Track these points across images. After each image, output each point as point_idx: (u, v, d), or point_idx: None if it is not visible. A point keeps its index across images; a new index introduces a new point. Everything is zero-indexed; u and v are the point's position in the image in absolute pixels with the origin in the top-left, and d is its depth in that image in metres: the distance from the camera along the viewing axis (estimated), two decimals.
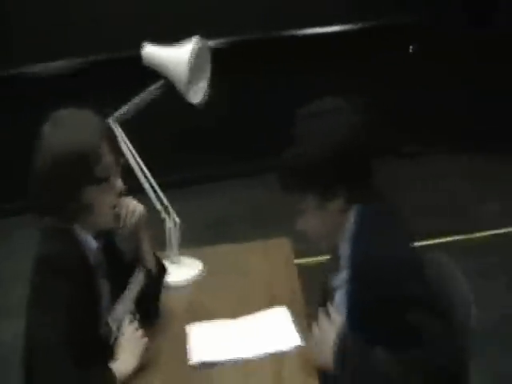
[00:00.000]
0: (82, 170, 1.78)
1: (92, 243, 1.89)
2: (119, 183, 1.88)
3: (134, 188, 2.21)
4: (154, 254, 2.11)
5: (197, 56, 2.31)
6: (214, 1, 5.53)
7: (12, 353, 1.93)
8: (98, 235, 1.92)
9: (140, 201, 2.06)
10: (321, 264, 2.54)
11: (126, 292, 1.98)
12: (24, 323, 1.75)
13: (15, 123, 5.16)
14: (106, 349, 1.88)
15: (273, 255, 2.55)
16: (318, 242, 1.91)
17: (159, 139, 5.37)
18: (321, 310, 1.84)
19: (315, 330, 1.80)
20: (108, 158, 1.83)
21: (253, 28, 5.64)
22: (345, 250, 1.84)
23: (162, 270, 2.16)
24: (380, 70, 5.76)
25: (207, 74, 2.43)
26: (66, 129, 1.81)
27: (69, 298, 1.73)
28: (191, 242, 2.60)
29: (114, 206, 1.91)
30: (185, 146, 5.69)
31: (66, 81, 5.18)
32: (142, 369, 1.87)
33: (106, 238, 1.98)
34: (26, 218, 2.06)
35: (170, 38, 2.43)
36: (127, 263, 2.04)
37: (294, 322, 2.04)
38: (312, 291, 2.18)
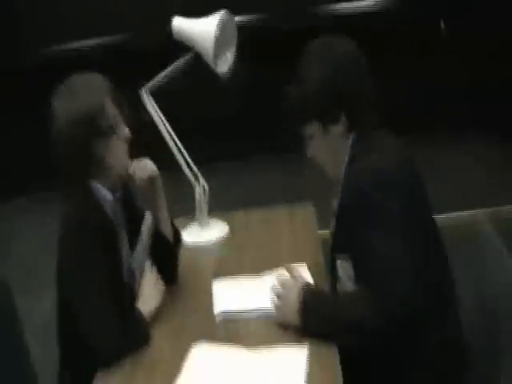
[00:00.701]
0: (89, 123, 1.91)
1: (108, 196, 2.03)
2: (126, 131, 2.01)
3: (166, 162, 2.36)
4: (171, 221, 2.23)
5: (223, 29, 2.43)
6: None
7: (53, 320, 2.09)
8: (113, 189, 2.05)
9: (171, 174, 2.20)
10: None
11: (140, 238, 2.13)
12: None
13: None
14: (132, 293, 2.05)
15: (297, 217, 2.67)
16: (326, 167, 2.05)
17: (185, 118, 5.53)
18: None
19: (280, 289, 1.92)
20: (111, 109, 1.97)
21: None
22: (342, 173, 1.98)
23: (178, 239, 2.27)
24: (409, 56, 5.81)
25: (233, 45, 2.55)
26: (72, 89, 1.96)
27: (95, 246, 1.90)
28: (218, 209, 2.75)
29: (126, 153, 2.04)
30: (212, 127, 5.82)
31: (99, 55, 5.35)
32: (167, 315, 2.02)
33: (122, 191, 2.10)
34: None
35: (199, 11, 2.57)
36: (142, 217, 2.18)
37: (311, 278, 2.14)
38: None
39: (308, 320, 1.83)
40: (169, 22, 2.53)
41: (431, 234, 1.98)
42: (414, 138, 2.66)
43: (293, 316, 1.85)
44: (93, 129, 1.93)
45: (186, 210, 2.67)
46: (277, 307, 1.92)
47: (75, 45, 5.57)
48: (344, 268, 2.00)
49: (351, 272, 1.95)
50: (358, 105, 1.95)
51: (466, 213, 4.22)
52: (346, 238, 1.94)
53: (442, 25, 6.05)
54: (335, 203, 2.04)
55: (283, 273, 2.06)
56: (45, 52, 5.56)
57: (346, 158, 1.97)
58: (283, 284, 1.93)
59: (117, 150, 2.00)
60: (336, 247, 2.05)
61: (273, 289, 1.94)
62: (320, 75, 1.92)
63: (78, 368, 2.02)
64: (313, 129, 1.98)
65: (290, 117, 2.02)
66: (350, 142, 1.97)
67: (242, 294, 2.10)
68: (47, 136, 1.96)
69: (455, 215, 4.18)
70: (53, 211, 1.99)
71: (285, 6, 5.65)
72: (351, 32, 2.03)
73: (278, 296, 1.92)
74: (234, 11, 2.51)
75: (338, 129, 1.96)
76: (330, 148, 2.00)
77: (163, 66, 2.52)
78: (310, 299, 1.85)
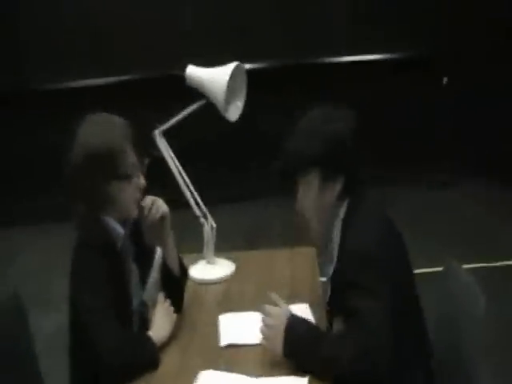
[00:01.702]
0: (107, 165, 2.03)
1: (118, 229, 2.15)
2: (142, 181, 2.14)
3: (175, 200, 2.49)
4: (178, 256, 2.33)
5: (234, 78, 2.59)
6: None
7: (55, 344, 2.19)
8: (124, 224, 2.18)
9: (180, 211, 2.31)
10: None
11: (152, 271, 2.26)
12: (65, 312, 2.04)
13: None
14: (144, 323, 2.17)
15: (298, 260, 2.80)
16: (310, 223, 2.15)
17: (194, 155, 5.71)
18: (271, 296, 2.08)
19: (266, 319, 2.01)
20: (131, 157, 2.08)
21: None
22: (336, 238, 2.10)
23: (184, 273, 2.39)
24: (411, 101, 5.98)
25: (243, 94, 2.71)
26: (97, 129, 2.08)
27: (104, 272, 2.02)
28: (225, 247, 2.88)
29: (138, 201, 2.15)
30: (217, 163, 5.97)
31: (116, 95, 5.56)
32: (176, 344, 2.13)
33: (133, 227, 2.23)
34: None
35: (210, 60, 2.73)
36: (152, 254, 2.29)
37: (313, 318, 2.24)
38: None
39: (291, 348, 1.93)
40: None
41: (409, 292, 2.10)
42: None
43: (278, 344, 1.95)
44: (111, 171, 2.05)
45: (191, 246, 2.78)
46: (264, 335, 2.01)
47: (84, 82, 5.81)
48: (339, 325, 2.11)
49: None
50: (356, 172, 2.08)
51: None
52: (340, 299, 2.04)
53: (445, 80, 6.26)
54: (328, 267, 2.16)
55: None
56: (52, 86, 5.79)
57: (338, 226, 2.08)
58: (270, 313, 2.03)
59: (130, 196, 2.12)
60: (332, 308, 2.18)
61: (262, 318, 2.03)
62: (333, 132, 2.04)
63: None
64: (311, 176, 2.07)
65: (291, 162, 2.11)
66: (342, 209, 2.08)
67: (247, 329, 2.20)
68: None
69: None
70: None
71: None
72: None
73: (266, 325, 2.01)
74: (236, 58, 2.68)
75: (335, 189, 2.06)
76: (321, 207, 2.10)
77: (176, 110, 2.67)
78: (295, 328, 1.95)
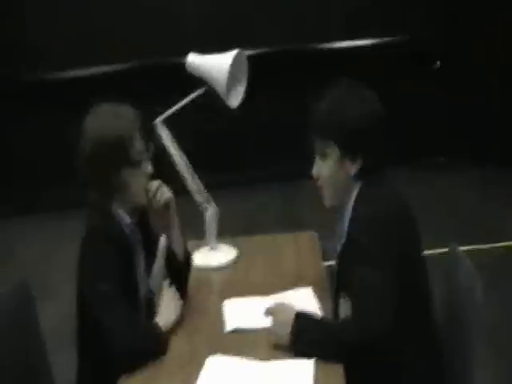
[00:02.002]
0: (118, 152, 2.08)
1: (127, 218, 2.19)
2: (149, 167, 2.19)
3: (179, 187, 2.53)
4: (184, 245, 2.37)
5: (236, 65, 2.60)
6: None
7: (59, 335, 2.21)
8: (132, 212, 2.21)
9: (183, 198, 2.33)
10: None
11: (157, 259, 2.29)
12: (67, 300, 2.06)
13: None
14: (151, 311, 2.20)
15: (301, 244, 2.82)
16: (324, 192, 2.15)
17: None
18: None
19: (273, 312, 2.04)
20: (140, 144, 2.13)
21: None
22: (347, 213, 2.11)
23: (189, 259, 2.42)
24: (405, 86, 6.00)
25: (244, 80, 2.72)
26: (105, 117, 2.12)
27: (115, 261, 2.05)
28: (228, 232, 2.90)
29: (146, 188, 2.20)
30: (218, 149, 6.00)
31: (118, 82, 5.57)
32: (183, 331, 2.15)
33: (140, 216, 2.26)
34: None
35: (212, 47, 2.74)
36: (158, 238, 2.32)
37: (317, 301, 2.27)
38: None
39: (298, 343, 1.96)
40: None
41: (419, 276, 2.11)
42: None
43: (284, 337, 1.97)
44: (121, 157, 2.09)
45: (193, 232, 2.80)
46: (271, 327, 2.04)
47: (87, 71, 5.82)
48: (344, 307, 2.11)
49: (349, 312, 2.05)
50: (376, 157, 2.07)
51: None
52: (346, 277, 2.06)
53: (438, 64, 6.28)
54: (337, 245, 2.18)
55: (287, 295, 2.23)
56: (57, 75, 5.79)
57: (351, 203, 2.09)
58: (278, 307, 2.06)
59: (139, 183, 2.17)
60: (339, 285, 2.20)
61: (269, 310, 2.07)
62: (358, 110, 2.03)
63: (97, 373, 2.15)
64: (329, 151, 2.07)
65: (314, 132, 2.11)
66: (356, 188, 2.08)
67: (251, 314, 2.22)
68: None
69: None
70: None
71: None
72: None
73: (273, 317, 2.04)
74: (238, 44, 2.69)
75: (352, 169, 2.06)
76: (336, 180, 2.10)
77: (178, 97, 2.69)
78: (302, 323, 1.97)
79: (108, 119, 2.11)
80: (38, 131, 5.91)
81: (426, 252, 2.19)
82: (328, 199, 2.16)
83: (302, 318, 1.98)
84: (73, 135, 2.22)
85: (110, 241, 2.07)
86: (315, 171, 2.14)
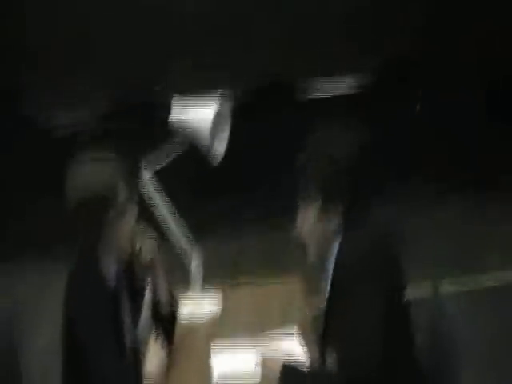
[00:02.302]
0: (102, 203, 2.09)
1: (113, 268, 2.19)
2: (134, 215, 2.20)
3: (161, 233, 2.53)
4: (169, 290, 2.38)
5: (219, 116, 2.63)
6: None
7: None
8: (117, 262, 2.22)
9: (166, 244, 2.35)
10: None
11: (143, 308, 2.28)
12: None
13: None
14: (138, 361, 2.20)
15: (287, 291, 2.81)
16: (310, 249, 2.17)
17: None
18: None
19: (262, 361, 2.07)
20: (124, 193, 2.14)
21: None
22: (329, 271, 2.12)
23: (175, 308, 2.43)
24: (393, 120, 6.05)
25: (227, 130, 2.75)
26: (89, 167, 2.13)
27: (101, 311, 2.06)
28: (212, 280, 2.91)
29: (132, 236, 2.22)
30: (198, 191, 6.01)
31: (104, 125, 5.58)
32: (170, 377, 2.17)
33: (126, 265, 2.27)
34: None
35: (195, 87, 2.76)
36: (143, 288, 2.33)
37: (303, 346, 2.30)
38: None
39: None
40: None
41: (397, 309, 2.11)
42: None
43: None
44: (105, 208, 2.09)
45: (177, 278, 2.80)
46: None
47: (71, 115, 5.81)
48: (331, 359, 2.10)
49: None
50: (358, 205, 2.08)
51: None
52: (332, 325, 2.09)
53: (418, 107, 6.34)
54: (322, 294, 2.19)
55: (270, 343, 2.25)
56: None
57: (334, 253, 2.10)
58: (265, 360, 2.08)
59: (124, 230, 2.17)
60: (325, 332, 2.19)
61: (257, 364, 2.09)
62: (337, 159, 2.04)
63: None
64: (310, 209, 2.09)
65: (297, 184, 2.13)
66: (339, 236, 2.09)
67: (239, 368, 2.23)
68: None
69: None
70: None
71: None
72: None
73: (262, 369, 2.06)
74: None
75: (334, 221, 2.07)
76: (319, 235, 2.12)
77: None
78: (289, 376, 1.99)
79: (92, 169, 2.12)
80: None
81: (414, 286, 2.19)
82: (313, 255, 2.18)
83: (288, 372, 1.99)
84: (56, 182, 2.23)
85: (95, 293, 2.07)
86: (297, 230, 2.16)
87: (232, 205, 6.01)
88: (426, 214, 5.45)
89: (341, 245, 2.10)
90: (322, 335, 2.22)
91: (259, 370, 2.07)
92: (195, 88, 2.83)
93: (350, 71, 6.16)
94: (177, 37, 5.78)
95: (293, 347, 2.33)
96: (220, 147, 2.73)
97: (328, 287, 2.15)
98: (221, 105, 2.64)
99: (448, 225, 5.46)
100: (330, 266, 2.12)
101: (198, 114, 2.61)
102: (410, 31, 6.00)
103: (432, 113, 6.17)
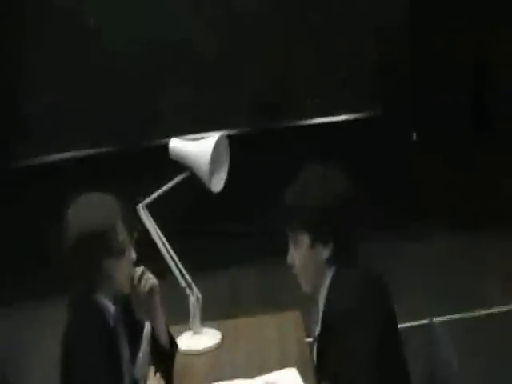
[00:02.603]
0: (100, 244, 2.08)
1: (111, 308, 2.18)
2: (133, 255, 2.20)
3: (161, 270, 2.53)
4: (167, 330, 2.37)
5: (217, 150, 2.65)
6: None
7: None
8: (115, 301, 2.21)
9: (166, 281, 2.36)
10: None
11: (141, 346, 2.27)
12: None
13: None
14: None
15: (284, 324, 2.82)
16: (300, 279, 2.18)
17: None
18: None
19: None
20: (122, 233, 2.14)
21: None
22: (321, 304, 2.13)
23: (173, 345, 2.41)
24: (384, 156, 6.09)
25: (226, 165, 2.77)
26: (87, 209, 2.13)
27: (97, 354, 2.02)
28: (211, 315, 2.90)
29: (130, 276, 2.22)
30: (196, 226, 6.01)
31: (94, 169, 5.58)
32: None
33: (124, 303, 2.26)
34: None
35: (191, 128, 2.79)
36: (141, 326, 2.31)
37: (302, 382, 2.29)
38: None
39: None
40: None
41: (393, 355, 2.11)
42: None
43: None
44: (104, 249, 2.09)
45: (177, 313, 2.78)
46: None
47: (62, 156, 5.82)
48: None
49: None
50: (347, 240, 2.10)
51: None
52: (326, 360, 2.08)
53: (414, 136, 6.40)
54: (315, 329, 2.18)
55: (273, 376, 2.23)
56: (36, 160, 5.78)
57: (326, 286, 2.10)
58: None
59: (123, 272, 2.17)
60: (320, 368, 2.19)
61: None
62: (324, 196, 2.05)
63: None
64: (300, 238, 2.10)
65: (285, 218, 2.14)
66: (328, 276, 2.10)
67: None
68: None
69: None
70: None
71: None
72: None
73: None
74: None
75: (323, 254, 2.08)
76: (310, 266, 2.12)
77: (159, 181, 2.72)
78: None
79: (89, 211, 2.12)
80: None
81: (403, 324, 2.20)
82: (304, 286, 2.19)
83: None
84: (52, 221, 2.24)
85: (94, 335, 2.05)
86: (289, 260, 2.18)
87: (229, 240, 6.02)
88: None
89: (332, 278, 2.11)
90: (316, 367, 2.23)
91: None
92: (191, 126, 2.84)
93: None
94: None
95: (292, 380, 2.31)
96: (220, 179, 2.75)
97: (320, 319, 2.15)
98: (220, 140, 2.66)
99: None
100: (322, 298, 2.13)
101: (197, 148, 2.63)
102: None
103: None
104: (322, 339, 2.13)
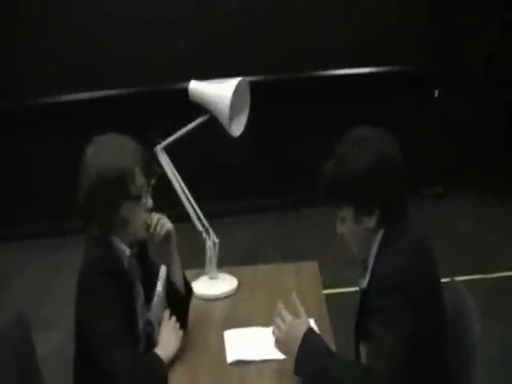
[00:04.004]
0: (118, 188, 2.05)
1: (126, 251, 2.16)
2: (150, 201, 2.17)
3: (178, 215, 2.50)
4: (183, 274, 2.36)
5: (238, 93, 2.59)
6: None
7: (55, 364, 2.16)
8: (131, 244, 2.19)
9: (183, 227, 2.32)
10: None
11: (156, 290, 2.23)
12: (66, 332, 2.02)
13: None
14: (150, 340, 2.17)
15: (302, 275, 2.79)
16: (352, 247, 2.12)
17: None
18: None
19: (283, 325, 2.03)
20: (141, 179, 2.10)
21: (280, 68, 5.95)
22: (370, 263, 2.07)
23: (189, 289, 2.40)
24: (404, 113, 6.01)
25: (247, 109, 2.71)
26: (106, 152, 2.08)
27: (114, 296, 2.02)
28: (228, 262, 2.88)
29: (146, 222, 2.19)
30: (215, 178, 5.99)
31: (118, 109, 5.56)
32: (183, 362, 2.13)
33: (139, 247, 2.25)
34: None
35: (214, 74, 2.73)
36: (157, 272, 2.29)
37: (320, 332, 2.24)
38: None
39: (302, 359, 1.95)
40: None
41: (436, 329, 2.03)
42: None
43: (292, 350, 1.97)
44: (122, 192, 2.06)
45: (194, 260, 2.78)
46: (278, 340, 2.03)
47: (84, 95, 5.80)
48: (363, 351, 2.10)
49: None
50: (394, 203, 2.01)
51: None
52: (366, 326, 2.00)
53: (437, 93, 6.30)
54: (362, 284, 2.12)
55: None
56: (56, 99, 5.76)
57: (374, 252, 2.04)
58: (288, 322, 2.04)
59: (139, 217, 2.15)
60: (359, 329, 2.14)
61: (277, 323, 2.05)
62: (366, 166, 1.95)
63: None
64: (345, 213, 2.03)
65: (325, 194, 2.05)
66: (378, 236, 2.03)
67: (253, 345, 2.20)
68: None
69: None
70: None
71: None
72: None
73: (282, 331, 2.03)
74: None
75: (370, 222, 2.01)
76: (358, 235, 2.06)
77: (178, 124, 2.67)
78: (312, 342, 1.97)
79: (108, 154, 2.08)
80: (37, 155, 5.88)
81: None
82: (357, 253, 2.13)
83: (313, 336, 1.99)
84: (73, 161, 2.20)
85: (108, 276, 2.04)
86: (338, 231, 2.11)
87: (249, 191, 6.01)
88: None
89: (381, 239, 2.04)
90: (356, 323, 2.17)
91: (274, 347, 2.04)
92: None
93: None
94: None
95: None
96: (240, 123, 2.69)
97: (368, 274, 2.09)
98: (241, 84, 2.60)
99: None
100: (372, 255, 2.07)
101: (217, 90, 2.57)
102: None
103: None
104: (366, 296, 2.06)
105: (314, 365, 1.93)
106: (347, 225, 2.05)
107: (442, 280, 2.08)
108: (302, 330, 1.99)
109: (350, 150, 1.99)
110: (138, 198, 2.11)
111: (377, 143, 1.99)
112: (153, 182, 2.18)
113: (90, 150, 2.10)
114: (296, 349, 1.96)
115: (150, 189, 2.17)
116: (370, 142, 1.99)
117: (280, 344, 2.03)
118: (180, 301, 2.32)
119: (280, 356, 2.08)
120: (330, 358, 1.93)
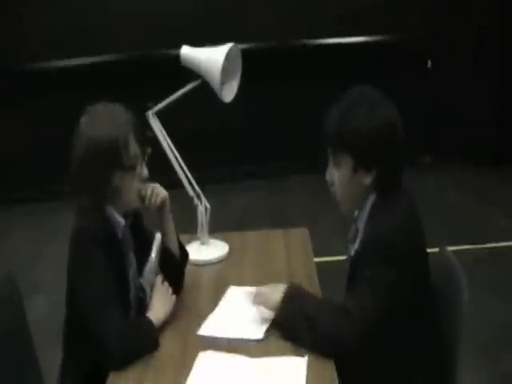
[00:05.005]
0: (111, 157, 2.04)
1: (121, 221, 2.16)
2: (145, 171, 2.16)
3: (170, 181, 2.51)
4: (177, 238, 2.36)
5: (229, 59, 2.58)
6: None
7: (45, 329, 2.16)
8: (125, 214, 2.19)
9: (176, 193, 2.32)
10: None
11: (150, 256, 2.25)
12: (55, 297, 2.02)
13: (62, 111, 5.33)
14: (142, 309, 2.18)
15: (292, 242, 2.81)
16: (339, 200, 2.11)
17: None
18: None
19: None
20: (135, 148, 2.09)
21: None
22: (361, 225, 2.08)
23: (185, 256, 2.41)
24: (396, 83, 6.00)
25: (238, 75, 2.70)
26: (99, 121, 2.07)
27: (104, 262, 2.03)
28: (219, 228, 2.90)
29: (140, 191, 2.17)
30: (208, 145, 5.98)
31: (109, 74, 5.52)
32: (174, 327, 2.15)
33: (133, 217, 2.25)
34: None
35: (206, 40, 2.72)
36: (151, 241, 2.30)
37: None
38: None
39: (287, 311, 1.99)
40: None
41: (423, 287, 2.06)
42: None
43: (274, 303, 2.02)
44: (115, 162, 2.05)
45: (182, 226, 2.78)
46: (261, 289, 2.11)
47: (76, 61, 5.76)
48: None
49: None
50: (391, 169, 2.02)
51: None
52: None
53: (429, 63, 6.28)
54: (352, 248, 2.14)
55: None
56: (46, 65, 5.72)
57: (365, 216, 2.06)
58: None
59: (132, 187, 2.14)
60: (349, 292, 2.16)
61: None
62: (373, 129, 1.96)
63: (82, 371, 2.13)
64: (343, 161, 2.02)
65: (327, 137, 2.05)
66: (370, 200, 2.04)
67: (237, 320, 2.18)
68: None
69: None
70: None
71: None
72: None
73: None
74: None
75: (366, 179, 2.01)
76: (349, 186, 2.05)
77: (170, 90, 2.66)
78: (295, 293, 2.03)
79: (102, 123, 2.06)
80: (27, 121, 5.86)
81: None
82: (342, 206, 2.13)
83: (295, 288, 2.06)
84: (66, 127, 2.20)
85: (98, 242, 2.03)
86: (329, 177, 2.10)
87: (239, 159, 6.01)
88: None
89: (374, 202, 2.05)
90: (346, 287, 2.19)
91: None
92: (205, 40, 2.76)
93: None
94: None
95: None
96: (231, 89, 2.68)
97: (359, 239, 2.11)
98: (232, 49, 2.58)
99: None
100: (362, 220, 2.08)
101: (209, 55, 2.56)
102: None
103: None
104: (356, 260, 2.08)
105: (300, 316, 1.97)
106: (342, 171, 2.04)
107: (432, 250, 2.10)
108: (285, 286, 2.04)
109: (357, 110, 1.99)
110: (132, 167, 2.09)
111: (384, 108, 2.02)
112: (148, 151, 2.17)
113: (84, 119, 2.08)
114: (277, 298, 2.01)
115: (146, 158, 2.15)
116: (378, 106, 2.01)
117: (261, 295, 2.08)
118: (175, 265, 2.34)
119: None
120: (312, 300, 2.01)
